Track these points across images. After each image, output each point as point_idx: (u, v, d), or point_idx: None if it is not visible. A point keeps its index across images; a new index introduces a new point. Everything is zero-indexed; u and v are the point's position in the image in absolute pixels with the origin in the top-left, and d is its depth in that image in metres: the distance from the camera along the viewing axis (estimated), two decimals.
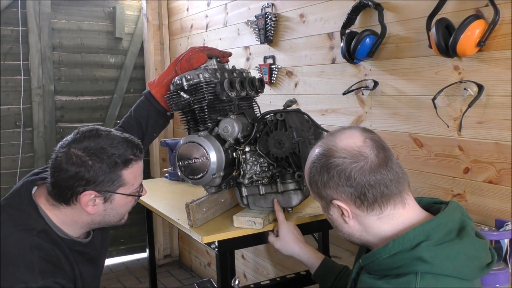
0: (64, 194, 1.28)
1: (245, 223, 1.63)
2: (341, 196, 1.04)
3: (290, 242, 1.53)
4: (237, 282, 1.39)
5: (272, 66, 2.50)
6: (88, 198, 1.27)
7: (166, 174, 2.70)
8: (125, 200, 1.34)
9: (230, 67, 1.79)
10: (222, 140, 1.62)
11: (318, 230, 1.99)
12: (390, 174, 1.02)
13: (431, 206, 1.11)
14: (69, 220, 1.32)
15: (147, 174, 3.81)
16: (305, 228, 1.67)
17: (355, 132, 1.07)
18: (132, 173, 1.32)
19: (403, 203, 1.04)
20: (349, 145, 1.04)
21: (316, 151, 1.09)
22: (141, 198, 2.19)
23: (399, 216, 1.04)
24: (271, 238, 1.59)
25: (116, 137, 1.31)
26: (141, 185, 1.39)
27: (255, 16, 2.54)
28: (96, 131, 1.30)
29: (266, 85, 2.26)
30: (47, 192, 1.31)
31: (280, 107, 1.65)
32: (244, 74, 1.80)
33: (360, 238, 1.09)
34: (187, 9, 3.42)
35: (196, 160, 1.60)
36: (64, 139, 1.30)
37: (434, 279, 0.95)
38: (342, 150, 1.04)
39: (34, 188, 1.35)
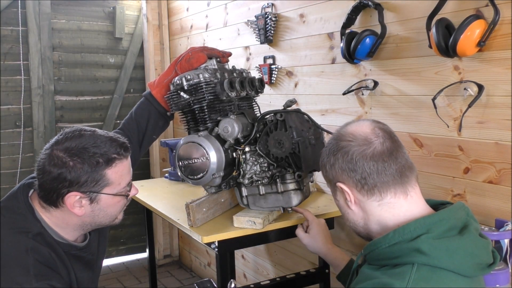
0: (50, 197, 1.26)
1: (245, 223, 1.63)
2: (344, 179, 1.07)
3: (320, 242, 1.56)
4: (233, 285, 1.36)
5: (272, 66, 2.50)
6: (74, 199, 1.26)
7: (166, 174, 2.71)
8: (112, 200, 1.31)
9: (230, 67, 1.79)
10: (222, 140, 1.62)
11: None
12: (393, 164, 1.04)
13: (438, 207, 1.11)
14: (60, 222, 1.31)
15: (147, 174, 3.81)
16: None
17: (366, 122, 1.11)
18: (117, 172, 1.28)
19: (405, 194, 1.05)
20: (357, 131, 1.08)
21: (330, 138, 1.14)
22: (141, 198, 2.21)
23: (400, 207, 1.05)
24: (300, 233, 1.60)
25: (100, 137, 1.28)
26: (129, 184, 1.35)
27: (255, 16, 2.53)
28: (79, 132, 1.28)
29: (266, 85, 2.27)
30: (37, 195, 1.30)
31: (280, 107, 1.65)
32: (244, 74, 1.80)
33: (364, 227, 1.10)
34: (187, 9, 3.42)
35: (196, 160, 1.60)
36: (50, 141, 1.28)
37: (430, 272, 0.95)
38: (350, 134, 1.08)
39: (31, 191, 1.34)
